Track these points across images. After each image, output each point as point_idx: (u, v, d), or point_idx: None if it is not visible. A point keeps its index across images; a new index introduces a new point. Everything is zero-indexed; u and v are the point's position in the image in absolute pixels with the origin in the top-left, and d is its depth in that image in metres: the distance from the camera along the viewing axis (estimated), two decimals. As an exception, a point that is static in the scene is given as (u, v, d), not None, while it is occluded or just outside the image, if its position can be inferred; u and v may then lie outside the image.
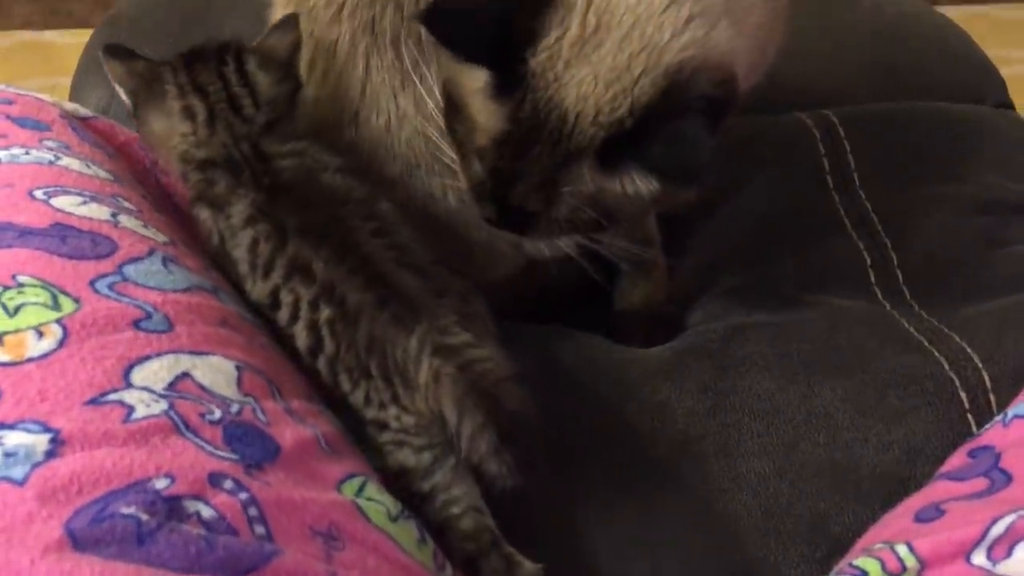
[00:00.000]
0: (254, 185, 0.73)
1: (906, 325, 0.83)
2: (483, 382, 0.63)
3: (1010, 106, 1.22)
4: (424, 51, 0.79)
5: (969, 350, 0.79)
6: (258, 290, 0.71)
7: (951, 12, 1.36)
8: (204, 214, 0.74)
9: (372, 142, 0.83)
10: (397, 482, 0.66)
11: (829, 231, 0.94)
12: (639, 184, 0.70)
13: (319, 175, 0.75)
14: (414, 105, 0.81)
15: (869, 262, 0.91)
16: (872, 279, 0.90)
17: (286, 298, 0.70)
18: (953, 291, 0.87)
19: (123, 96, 0.78)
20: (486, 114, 0.71)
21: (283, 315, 0.70)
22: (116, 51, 0.77)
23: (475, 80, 0.71)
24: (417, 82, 0.79)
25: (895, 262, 0.91)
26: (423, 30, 0.75)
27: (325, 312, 0.68)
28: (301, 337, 0.69)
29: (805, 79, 1.14)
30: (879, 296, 0.88)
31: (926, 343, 0.81)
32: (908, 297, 0.88)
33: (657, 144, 0.68)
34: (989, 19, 2.47)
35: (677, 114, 0.67)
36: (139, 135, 0.81)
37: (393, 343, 0.66)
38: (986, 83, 1.21)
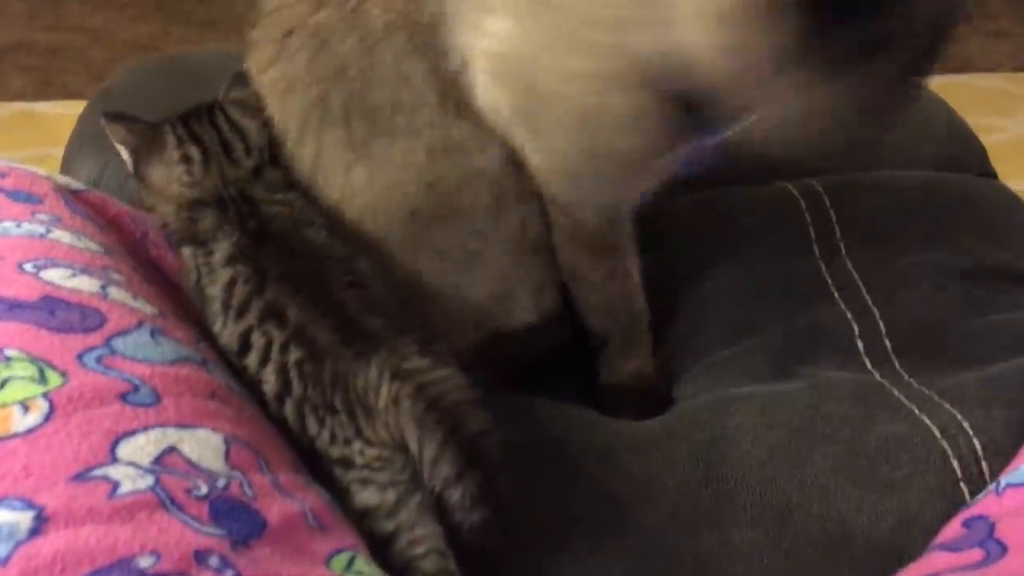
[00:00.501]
0: (239, 226, 0.76)
1: (896, 393, 0.83)
2: (442, 402, 0.63)
3: (993, 174, 1.23)
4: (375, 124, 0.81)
5: (960, 418, 0.79)
6: (228, 332, 0.72)
7: (930, 81, 1.39)
8: (187, 251, 0.77)
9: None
10: (361, 522, 0.66)
11: (816, 300, 0.95)
12: None
13: (304, 229, 0.78)
14: (366, 181, 0.82)
15: (857, 331, 0.91)
16: (860, 347, 0.90)
17: (258, 341, 0.71)
18: (941, 359, 0.88)
19: (125, 155, 0.82)
20: None
21: (253, 359, 0.71)
22: (117, 116, 0.82)
23: None
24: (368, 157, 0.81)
25: (883, 330, 0.91)
26: None
27: (295, 354, 0.69)
28: (270, 382, 0.70)
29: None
30: (868, 365, 0.88)
31: (916, 411, 0.81)
32: (897, 365, 0.88)
33: None
34: (969, 88, 2.52)
35: None
36: (139, 193, 0.84)
37: (355, 374, 0.67)
38: (968, 152, 1.23)
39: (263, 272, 0.73)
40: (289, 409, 0.69)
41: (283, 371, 0.70)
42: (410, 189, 0.82)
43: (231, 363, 0.73)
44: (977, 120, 1.33)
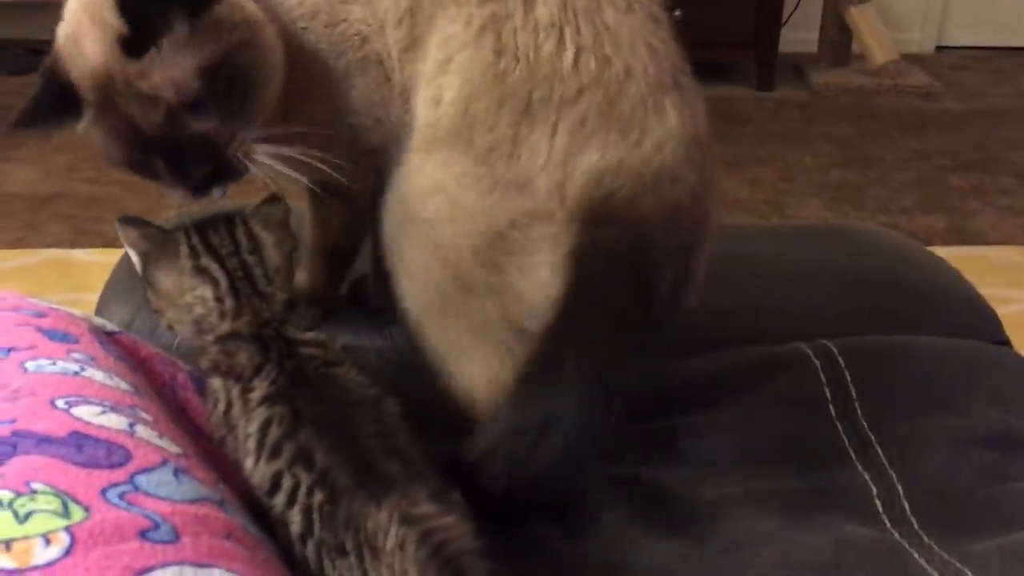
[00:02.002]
0: (278, 365, 0.77)
1: (916, 557, 0.82)
2: (446, 550, 0.64)
3: (1007, 342, 1.25)
4: None
5: (983, 587, 0.78)
6: (260, 472, 0.73)
7: (943, 252, 1.42)
8: (217, 383, 0.78)
9: None
10: None
11: (832, 460, 0.95)
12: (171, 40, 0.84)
13: (336, 369, 0.79)
14: None
15: (875, 491, 0.91)
16: (879, 508, 0.89)
17: (287, 482, 0.71)
18: (960, 524, 0.87)
19: (135, 258, 0.83)
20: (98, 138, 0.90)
21: (280, 499, 0.71)
22: (131, 220, 0.84)
23: None
24: None
25: (901, 492, 0.90)
26: None
27: (318, 497, 0.70)
28: (295, 522, 0.70)
29: (805, 312, 1.18)
30: (887, 525, 0.88)
31: (938, 577, 0.79)
32: (916, 528, 0.87)
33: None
34: (983, 259, 2.56)
35: None
36: (146, 295, 0.86)
37: (366, 516, 0.67)
38: (981, 320, 1.25)
39: (298, 414, 0.74)
40: (310, 549, 0.70)
41: (308, 512, 0.70)
42: None
43: (255, 501, 0.73)
44: (991, 291, 1.35)
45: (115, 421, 0.69)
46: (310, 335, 0.81)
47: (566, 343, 0.83)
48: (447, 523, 0.66)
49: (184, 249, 0.82)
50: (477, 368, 0.90)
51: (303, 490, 0.71)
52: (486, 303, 0.88)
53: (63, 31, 0.89)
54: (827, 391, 1.02)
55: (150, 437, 0.70)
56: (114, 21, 0.84)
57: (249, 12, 0.89)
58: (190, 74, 0.84)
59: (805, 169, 3.13)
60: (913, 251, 1.40)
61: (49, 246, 2.57)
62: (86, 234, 2.63)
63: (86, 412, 0.69)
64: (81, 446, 0.65)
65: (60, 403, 0.69)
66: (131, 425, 0.70)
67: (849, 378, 1.03)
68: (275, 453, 0.73)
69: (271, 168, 0.89)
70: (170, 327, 0.85)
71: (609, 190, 0.84)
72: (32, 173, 3.00)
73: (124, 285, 1.21)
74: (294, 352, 0.79)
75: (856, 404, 1.00)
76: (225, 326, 0.80)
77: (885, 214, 2.85)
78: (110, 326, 0.88)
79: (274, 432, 0.73)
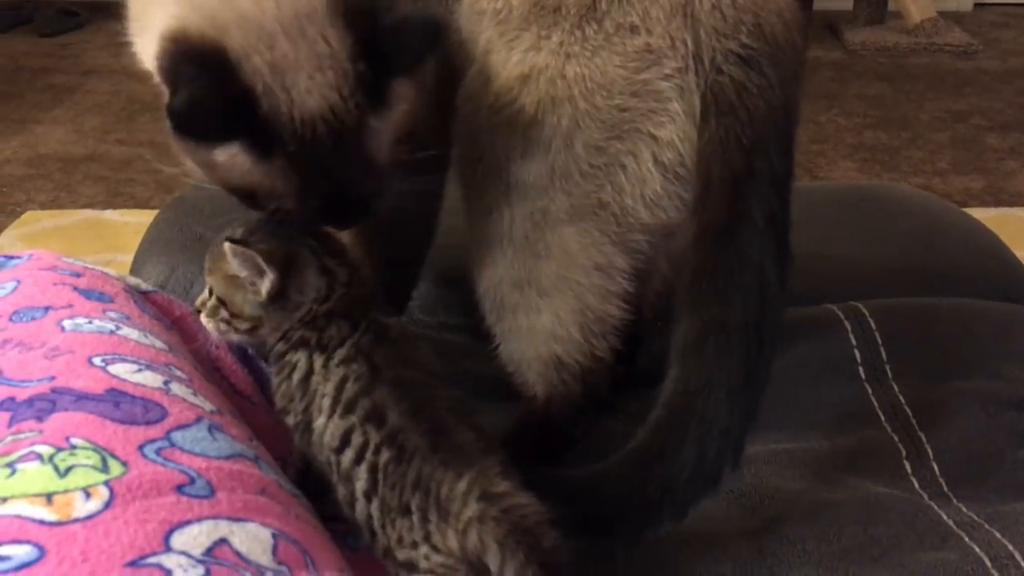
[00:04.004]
0: (363, 332, 0.77)
1: (945, 517, 0.82)
2: (524, 523, 0.65)
3: (1040, 304, 1.23)
4: None
5: (1011, 547, 0.78)
6: (332, 429, 0.74)
7: (979, 213, 1.40)
8: (296, 356, 0.77)
9: None
10: None
11: (862, 421, 0.95)
12: (405, 92, 0.76)
13: (417, 340, 0.81)
14: None
15: (904, 453, 0.91)
16: (908, 469, 0.89)
17: (357, 439, 0.72)
18: (989, 486, 0.87)
19: (266, 285, 0.77)
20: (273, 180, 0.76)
21: (348, 456, 0.72)
22: (240, 241, 0.77)
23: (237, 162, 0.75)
24: None
25: (930, 454, 0.90)
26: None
27: (385, 455, 0.71)
28: (361, 479, 0.72)
29: (836, 274, 1.17)
30: (916, 486, 0.88)
31: (966, 538, 0.79)
32: (945, 489, 0.87)
33: (391, 52, 0.73)
34: (1019, 220, 2.53)
35: (377, 19, 0.73)
36: (266, 318, 0.81)
37: (440, 482, 0.68)
38: (1014, 281, 1.24)
39: (376, 372, 0.74)
40: (374, 507, 0.71)
41: (373, 471, 0.71)
42: None
43: (316, 463, 0.75)
44: (1024, 251, 1.34)
45: (151, 379, 0.70)
46: (392, 319, 0.82)
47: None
48: (523, 501, 0.67)
49: (311, 258, 0.79)
50: (568, 300, 0.87)
51: (371, 448, 0.72)
52: (603, 186, 0.83)
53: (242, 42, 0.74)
54: (857, 353, 1.02)
55: (185, 394, 0.71)
56: (358, 65, 0.74)
57: None
58: (403, 141, 0.77)
59: (838, 130, 3.09)
60: (947, 212, 1.38)
61: (83, 207, 2.60)
62: (119, 195, 2.66)
63: (122, 370, 0.70)
64: (118, 403, 0.67)
65: (97, 361, 0.71)
66: (166, 383, 0.71)
67: (880, 340, 1.03)
68: (349, 409, 0.74)
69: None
70: (261, 334, 0.81)
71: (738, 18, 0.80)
72: (65, 134, 3.03)
73: (158, 246, 1.22)
74: (379, 323, 0.79)
75: (887, 366, 1.00)
76: (324, 308, 0.79)
77: (919, 175, 2.81)
78: (144, 285, 0.89)
79: (350, 389, 0.74)
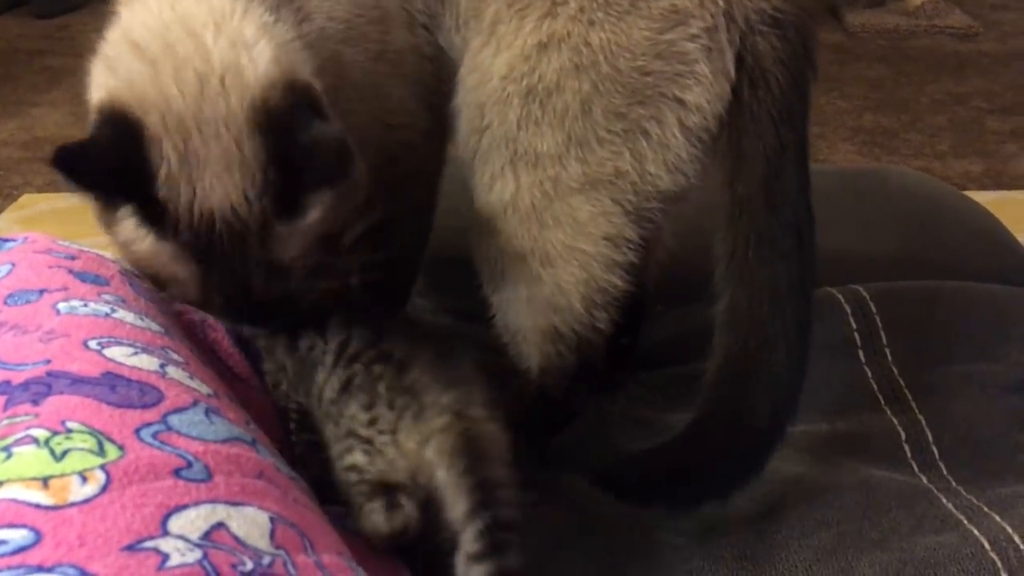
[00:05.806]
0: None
1: (944, 501, 0.82)
2: (480, 443, 0.68)
3: (1039, 287, 1.23)
4: None
5: (1009, 530, 0.78)
6: (332, 382, 0.76)
7: (979, 196, 1.40)
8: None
9: None
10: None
11: (862, 404, 0.95)
12: (320, 203, 0.74)
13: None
14: None
15: (903, 436, 0.91)
16: (907, 453, 0.89)
17: (360, 380, 0.75)
18: (989, 469, 0.87)
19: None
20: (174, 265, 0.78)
21: (348, 397, 0.75)
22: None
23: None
24: None
25: (930, 437, 0.90)
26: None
27: (389, 372, 0.74)
28: (358, 376, 0.75)
29: (836, 257, 1.16)
30: (915, 469, 0.88)
31: (965, 521, 0.79)
32: (945, 472, 0.87)
33: (304, 167, 0.73)
34: (1018, 203, 2.52)
35: (293, 135, 0.73)
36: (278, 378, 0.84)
37: (427, 389, 0.71)
38: (1013, 264, 1.23)
39: (379, 332, 0.76)
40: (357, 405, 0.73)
41: (371, 377, 0.74)
42: None
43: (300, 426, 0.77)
44: (1025, 235, 1.34)
45: (147, 362, 0.70)
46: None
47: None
48: (492, 428, 0.70)
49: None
50: (572, 270, 0.87)
51: (374, 366, 0.74)
52: (621, 153, 0.82)
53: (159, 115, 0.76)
54: (857, 336, 1.01)
55: (181, 378, 0.70)
56: (268, 174, 0.75)
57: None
58: (322, 244, 0.77)
59: (837, 112, 3.08)
60: (947, 195, 1.38)
61: (79, 190, 2.59)
62: (116, 178, 2.65)
63: (118, 353, 0.70)
64: (114, 386, 0.66)
65: (92, 344, 0.70)
66: (162, 366, 0.70)
67: (880, 323, 1.02)
68: (353, 359, 0.75)
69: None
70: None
71: None
72: (63, 117, 3.02)
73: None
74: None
75: (887, 349, 1.00)
76: None
77: (919, 158, 2.80)
78: (140, 268, 0.89)
79: (355, 344, 0.76)
